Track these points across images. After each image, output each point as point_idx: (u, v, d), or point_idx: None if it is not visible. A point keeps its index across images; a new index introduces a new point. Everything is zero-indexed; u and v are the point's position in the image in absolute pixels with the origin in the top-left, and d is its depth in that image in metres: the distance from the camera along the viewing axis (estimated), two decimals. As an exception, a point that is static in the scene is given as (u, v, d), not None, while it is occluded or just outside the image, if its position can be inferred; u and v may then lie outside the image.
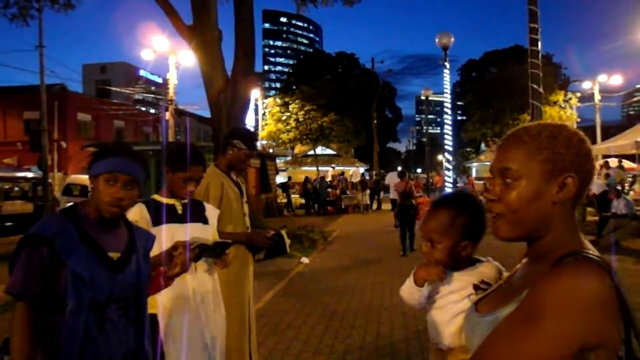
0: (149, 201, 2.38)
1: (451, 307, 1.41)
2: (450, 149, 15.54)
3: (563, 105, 29.70)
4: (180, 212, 2.39)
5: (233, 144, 2.97)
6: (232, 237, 2.64)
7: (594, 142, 22.78)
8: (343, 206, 20.75)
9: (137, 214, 2.28)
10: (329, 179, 23.91)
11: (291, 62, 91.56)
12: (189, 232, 2.29)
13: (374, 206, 22.15)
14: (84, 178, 13.34)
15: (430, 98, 28.12)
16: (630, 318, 0.84)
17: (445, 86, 14.69)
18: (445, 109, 15.00)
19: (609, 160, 16.97)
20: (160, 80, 60.09)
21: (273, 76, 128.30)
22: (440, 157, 37.28)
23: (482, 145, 41.32)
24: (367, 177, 28.39)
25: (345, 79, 43.18)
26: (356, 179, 24.38)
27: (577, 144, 0.93)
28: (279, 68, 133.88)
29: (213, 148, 10.17)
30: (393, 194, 13.91)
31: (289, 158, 38.03)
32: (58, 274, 1.45)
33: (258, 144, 27.15)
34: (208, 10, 9.39)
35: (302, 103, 28.81)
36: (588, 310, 0.79)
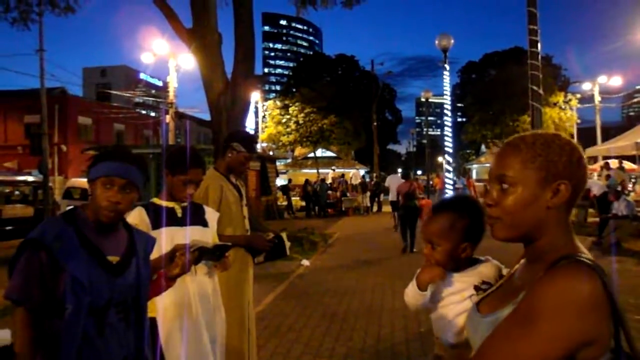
0: (149, 204, 2.38)
1: (453, 307, 1.45)
2: (451, 150, 15.52)
3: (563, 107, 29.69)
4: (179, 215, 2.38)
5: (232, 146, 2.97)
6: (231, 239, 2.63)
7: (594, 143, 22.79)
8: (343, 208, 20.73)
9: (137, 217, 2.27)
10: (329, 181, 23.91)
11: (291, 64, 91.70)
12: (188, 235, 2.29)
13: (375, 208, 22.14)
14: (84, 182, 13.35)
15: (430, 100, 28.08)
16: (620, 317, 0.89)
17: (445, 88, 14.70)
18: (445, 111, 15.00)
19: (609, 161, 16.95)
20: (160, 84, 60.16)
21: (273, 79, 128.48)
22: (440, 158, 37.28)
23: (482, 147, 41.33)
24: (368, 180, 28.38)
25: (345, 81, 43.25)
26: (356, 181, 24.37)
27: (569, 152, 0.99)
28: (278, 71, 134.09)
29: (213, 151, 10.18)
30: (392, 196, 13.98)
31: (289, 160, 38.08)
32: (57, 279, 1.44)
33: (258, 146, 27.16)
34: (208, 14, 9.41)
35: (302, 105, 28.86)
36: (581, 311, 0.84)
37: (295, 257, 8.59)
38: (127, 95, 38.23)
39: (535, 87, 8.65)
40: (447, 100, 14.87)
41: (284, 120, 29.16)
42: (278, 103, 30.79)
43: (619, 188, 11.73)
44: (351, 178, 25.52)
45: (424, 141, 45.75)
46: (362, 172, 35.01)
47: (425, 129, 41.73)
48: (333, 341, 4.44)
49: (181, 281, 2.25)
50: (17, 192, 14.90)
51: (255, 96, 27.89)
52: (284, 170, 33.70)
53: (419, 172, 59.49)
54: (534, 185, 0.98)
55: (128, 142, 32.15)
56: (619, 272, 6.94)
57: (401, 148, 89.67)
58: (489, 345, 0.92)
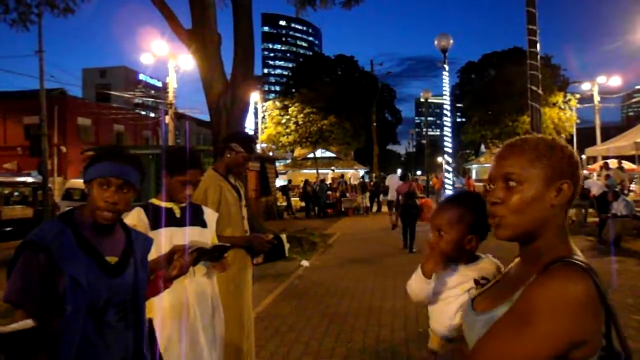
0: (148, 205, 2.38)
1: (453, 300, 1.48)
2: (450, 151, 15.55)
3: (562, 107, 29.70)
4: (178, 215, 2.38)
5: (231, 147, 2.97)
6: (230, 240, 2.63)
7: (593, 143, 22.79)
8: (343, 209, 20.74)
9: (136, 217, 2.27)
10: (328, 181, 23.92)
11: (290, 65, 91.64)
12: (187, 235, 2.29)
13: (374, 209, 22.15)
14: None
15: (429, 100, 28.15)
16: (611, 317, 0.93)
17: (444, 88, 14.72)
18: (445, 111, 15.02)
19: (608, 161, 16.96)
20: (159, 84, 60.14)
21: (272, 79, 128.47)
22: (440, 159, 37.28)
23: (482, 147, 41.32)
24: (367, 180, 28.38)
25: (345, 81, 43.19)
26: (354, 182, 24.39)
27: (569, 155, 1.05)
28: (278, 71, 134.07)
29: (213, 151, 10.17)
30: (391, 196, 14.23)
31: (288, 161, 38.07)
32: (56, 280, 1.44)
33: (258, 147, 27.16)
34: (207, 14, 9.41)
35: (302, 106, 28.85)
36: (574, 312, 0.88)
37: (295, 257, 8.59)
38: (127, 96, 38.20)
39: (534, 87, 8.66)
40: (446, 100, 14.89)
41: (283, 121, 29.15)
42: (277, 103, 30.77)
43: (618, 188, 11.74)
44: (350, 178, 25.54)
45: (424, 141, 45.71)
46: (361, 172, 35.02)
47: (424, 130, 41.77)
48: (333, 341, 4.44)
49: (180, 282, 2.25)
50: (16, 193, 14.90)
51: (254, 97, 27.90)
52: (284, 171, 33.68)
53: (419, 173, 59.50)
54: (540, 184, 1.01)
55: (128, 142, 32.16)
56: (619, 272, 6.94)
57: (401, 148, 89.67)
58: (485, 344, 0.95)
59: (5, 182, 14.59)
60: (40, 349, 1.45)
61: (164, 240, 2.24)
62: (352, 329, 4.82)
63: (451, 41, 13.76)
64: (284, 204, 21.36)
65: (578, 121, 30.52)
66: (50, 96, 22.39)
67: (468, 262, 1.51)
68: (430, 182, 26.69)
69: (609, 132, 27.55)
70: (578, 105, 30.00)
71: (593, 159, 21.87)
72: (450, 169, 16.65)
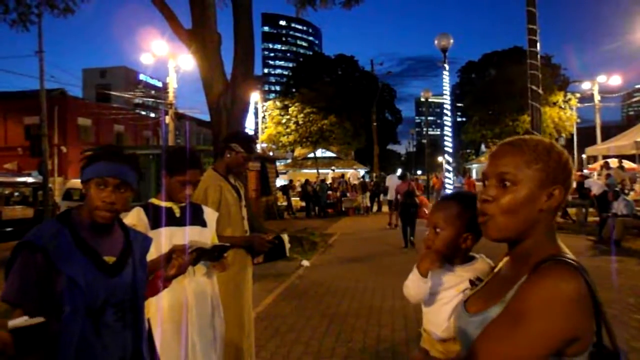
0: (148, 205, 2.38)
1: (448, 301, 1.48)
2: (451, 150, 15.53)
3: (563, 106, 29.67)
4: (178, 215, 2.38)
5: (231, 147, 2.96)
6: (231, 240, 2.63)
7: (593, 142, 22.78)
8: (343, 208, 20.73)
9: (135, 217, 2.27)
10: (329, 181, 23.91)
11: (291, 65, 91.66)
12: (187, 235, 2.29)
13: (374, 208, 22.14)
14: (84, 182, 13.28)
15: (429, 100, 28.13)
16: (601, 314, 0.95)
17: (444, 88, 14.70)
18: (445, 111, 15.00)
19: (609, 160, 16.94)
20: (160, 84, 60.15)
21: (273, 79, 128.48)
22: (440, 158, 37.27)
23: (482, 147, 41.30)
24: (368, 180, 28.38)
25: (345, 81, 43.21)
26: (354, 181, 24.38)
27: (565, 161, 1.05)
28: (278, 71, 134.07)
29: (213, 151, 10.17)
30: (390, 195, 14.46)
31: (289, 161, 38.06)
32: (53, 281, 1.44)
33: (258, 147, 27.15)
34: (207, 14, 9.41)
35: (302, 106, 28.83)
36: (567, 309, 0.89)
37: (295, 257, 8.59)
38: (127, 96, 38.25)
39: (534, 87, 8.66)
40: (446, 100, 14.87)
41: (283, 121, 29.13)
42: (278, 103, 30.75)
43: (618, 187, 11.73)
44: (349, 178, 25.53)
45: (424, 141, 45.74)
46: (361, 172, 34.99)
47: (425, 129, 41.77)
48: (333, 341, 4.44)
49: (180, 282, 2.25)
50: (17, 194, 14.91)
51: (255, 97, 27.91)
52: (284, 171, 33.68)
53: (419, 172, 59.46)
54: (534, 186, 1.01)
55: (128, 143, 32.18)
56: (619, 272, 6.93)
57: (401, 148, 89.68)
58: (481, 345, 0.95)
59: (6, 183, 14.59)
60: (38, 349, 1.45)
61: (164, 239, 2.24)
62: (353, 328, 4.81)
63: (451, 41, 13.74)
64: (284, 203, 21.36)
65: (578, 120, 30.48)
66: (51, 96, 22.40)
67: (463, 262, 1.50)
68: (430, 182, 26.68)
69: (610, 131, 27.51)
70: (578, 105, 29.97)
71: (593, 159, 21.86)
72: (450, 168, 16.64)
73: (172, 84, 20.29)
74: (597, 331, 0.95)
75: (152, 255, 2.02)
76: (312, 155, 33.28)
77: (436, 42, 13.72)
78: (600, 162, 18.21)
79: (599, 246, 9.34)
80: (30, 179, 15.62)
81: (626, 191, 12.09)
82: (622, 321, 4.65)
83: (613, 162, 16.42)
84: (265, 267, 7.53)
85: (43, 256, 1.44)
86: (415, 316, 4.99)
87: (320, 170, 30.11)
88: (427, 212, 9.91)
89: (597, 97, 27.79)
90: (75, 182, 16.19)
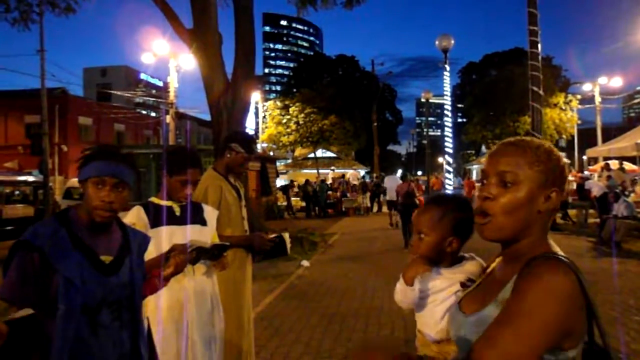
0: (148, 203, 2.38)
1: (439, 303, 1.48)
2: (451, 151, 15.54)
3: (563, 108, 29.63)
4: (178, 214, 2.38)
5: (231, 147, 2.96)
6: (231, 239, 2.63)
7: (594, 144, 22.75)
8: (343, 209, 20.73)
9: (135, 216, 2.27)
10: (329, 181, 23.90)
11: (291, 65, 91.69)
12: (188, 233, 2.29)
13: (375, 209, 22.14)
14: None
15: (430, 100, 28.09)
16: (593, 310, 0.96)
17: (445, 88, 14.70)
18: (446, 112, 15.00)
19: (609, 162, 16.93)
20: (160, 84, 60.13)
21: (273, 79, 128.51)
22: (440, 159, 37.27)
23: (483, 148, 41.29)
24: (368, 180, 28.37)
25: (346, 81, 43.19)
26: (354, 182, 24.38)
27: (563, 165, 1.07)
28: (279, 71, 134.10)
29: (213, 151, 10.17)
30: (389, 196, 14.58)
31: (289, 161, 38.03)
32: (50, 279, 1.45)
33: (258, 146, 27.16)
34: (208, 14, 9.41)
35: (303, 106, 28.82)
36: (561, 302, 0.91)
37: (295, 257, 8.58)
38: (128, 95, 38.23)
39: (535, 88, 8.66)
40: (447, 100, 14.88)
41: (284, 121, 29.12)
42: (278, 103, 30.73)
43: (619, 189, 11.71)
44: (349, 178, 25.53)
45: (424, 142, 45.74)
46: (362, 172, 34.97)
47: (425, 130, 41.74)
48: (333, 342, 4.44)
49: (179, 281, 2.25)
50: (17, 192, 14.91)
51: (255, 96, 27.91)
52: (284, 171, 33.67)
53: (419, 173, 59.47)
54: (534, 187, 1.02)
55: (129, 142, 32.20)
56: (620, 273, 6.92)
57: (401, 148, 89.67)
58: (482, 346, 0.95)
59: (6, 181, 14.59)
60: (34, 348, 1.46)
61: (164, 238, 2.24)
62: (352, 328, 4.81)
63: (452, 41, 13.73)
64: (284, 203, 21.36)
65: (579, 122, 30.46)
66: (52, 95, 22.42)
67: (452, 264, 1.50)
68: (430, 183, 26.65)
69: (610, 133, 27.50)
70: (579, 106, 29.94)
71: (594, 160, 21.85)
72: (450, 169, 16.64)
73: (173, 83, 20.28)
74: (588, 326, 0.97)
75: (151, 254, 2.02)
76: (312, 155, 33.27)
77: (437, 42, 13.72)
78: (601, 163, 18.20)
79: (599, 248, 9.33)
80: (30, 178, 15.63)
81: (627, 193, 12.07)
82: (622, 323, 4.65)
83: (614, 164, 16.40)
84: (265, 267, 7.53)
85: (39, 255, 1.44)
86: (415, 316, 4.98)
87: (321, 171, 30.10)
88: None
89: (598, 99, 27.77)
90: (76, 181, 16.18)
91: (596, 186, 12.73)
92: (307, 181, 21.90)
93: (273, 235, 3.11)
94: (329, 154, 36.42)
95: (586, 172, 19.50)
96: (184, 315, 2.29)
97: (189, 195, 2.38)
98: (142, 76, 67.54)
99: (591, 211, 13.20)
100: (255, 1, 9.94)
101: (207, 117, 10.29)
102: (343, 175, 25.70)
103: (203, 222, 2.46)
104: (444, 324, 1.43)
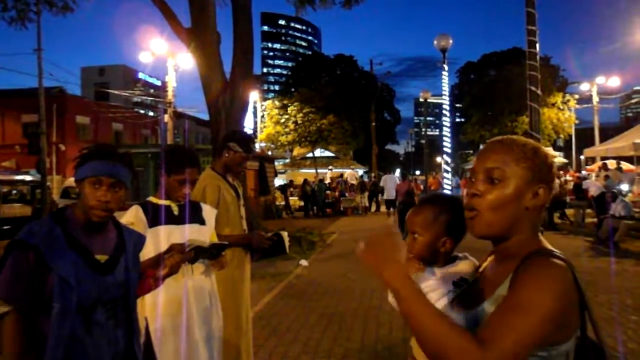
0: (146, 203, 2.38)
1: (433, 302, 1.47)
2: (449, 151, 15.57)
3: (561, 107, 29.70)
4: (176, 213, 2.38)
5: (229, 146, 2.96)
6: (230, 239, 2.63)
7: (592, 144, 22.82)
8: (342, 208, 20.74)
9: (133, 215, 2.27)
10: (327, 181, 23.90)
11: (290, 64, 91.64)
12: (187, 233, 2.29)
13: (373, 208, 22.15)
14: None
15: (428, 100, 28.12)
16: (586, 305, 0.99)
17: (443, 88, 14.72)
18: (444, 111, 15.03)
19: (607, 162, 16.98)
20: (159, 83, 60.10)
21: (272, 79, 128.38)
22: (439, 159, 37.30)
23: (481, 147, 41.33)
24: (366, 179, 28.39)
25: (344, 81, 43.17)
26: (352, 181, 24.39)
27: (550, 162, 1.08)
28: (277, 70, 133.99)
29: (212, 150, 10.17)
30: (387, 195, 14.70)
31: (287, 160, 38.03)
32: (45, 279, 1.45)
33: (257, 146, 27.13)
34: (206, 13, 9.40)
35: (301, 105, 28.82)
36: (560, 300, 0.92)
37: (294, 257, 8.58)
38: (126, 94, 38.15)
39: (533, 88, 8.67)
40: (445, 100, 14.90)
41: (282, 120, 29.11)
42: (277, 103, 30.72)
43: (617, 189, 11.74)
44: (347, 178, 25.54)
45: (423, 141, 45.78)
46: (360, 172, 34.97)
47: (423, 129, 41.81)
48: (331, 341, 4.44)
49: (178, 280, 2.25)
50: (15, 192, 14.88)
51: (254, 96, 27.90)
52: (283, 170, 33.67)
53: (417, 173, 59.55)
54: (521, 184, 1.04)
55: (126, 141, 32.14)
56: (617, 273, 6.94)
57: (400, 148, 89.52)
58: (480, 339, 0.96)
59: (4, 180, 14.53)
60: (30, 347, 1.45)
61: (162, 238, 2.24)
62: (351, 328, 4.82)
63: (451, 41, 13.75)
64: (282, 203, 21.36)
65: (577, 122, 30.52)
66: (49, 94, 22.32)
67: (445, 264, 1.49)
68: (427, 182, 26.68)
69: (608, 132, 27.62)
70: (577, 106, 30.01)
71: (591, 160, 21.89)
72: (449, 169, 16.66)
73: (171, 82, 20.27)
74: (581, 322, 0.99)
75: (150, 253, 2.02)
76: (310, 154, 33.26)
77: (435, 42, 13.74)
78: (599, 163, 18.25)
79: (596, 247, 9.36)
80: (28, 177, 15.57)
81: (624, 192, 12.11)
82: (620, 322, 4.66)
83: (611, 164, 16.45)
84: (263, 267, 7.53)
85: (34, 254, 1.44)
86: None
87: (319, 170, 30.10)
88: None
89: (595, 99, 27.85)
90: (74, 181, 16.15)
91: (594, 186, 12.75)
92: (305, 181, 21.91)
93: (271, 234, 3.11)
94: (327, 153, 36.42)
95: (584, 172, 19.55)
96: (182, 314, 2.29)
97: (187, 194, 2.38)
98: (140, 75, 67.48)
99: (589, 211, 13.23)
100: (253, 0, 9.94)
101: (205, 116, 10.30)
102: (341, 175, 25.69)
103: (201, 222, 2.46)
104: None
